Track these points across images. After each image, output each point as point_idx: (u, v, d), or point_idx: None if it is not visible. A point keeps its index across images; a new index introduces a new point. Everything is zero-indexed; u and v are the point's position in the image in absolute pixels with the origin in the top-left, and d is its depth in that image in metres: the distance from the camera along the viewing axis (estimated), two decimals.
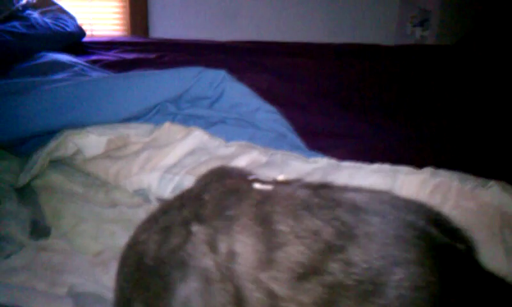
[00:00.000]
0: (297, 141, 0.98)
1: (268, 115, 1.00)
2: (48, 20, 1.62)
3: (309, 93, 1.55)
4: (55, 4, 1.85)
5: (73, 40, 1.72)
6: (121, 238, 0.60)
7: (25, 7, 1.67)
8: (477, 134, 1.26)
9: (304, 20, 2.53)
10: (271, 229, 0.44)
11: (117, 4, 2.39)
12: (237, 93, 1.02)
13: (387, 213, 0.45)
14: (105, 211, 0.87)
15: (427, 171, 0.72)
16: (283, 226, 0.44)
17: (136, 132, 0.96)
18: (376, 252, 0.42)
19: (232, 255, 0.44)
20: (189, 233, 0.47)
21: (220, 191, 0.51)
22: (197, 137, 0.93)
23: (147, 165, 0.91)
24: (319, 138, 1.11)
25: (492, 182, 0.69)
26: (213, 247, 0.45)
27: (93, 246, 0.77)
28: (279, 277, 0.42)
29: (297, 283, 0.42)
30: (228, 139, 0.94)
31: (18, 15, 1.60)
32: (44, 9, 1.75)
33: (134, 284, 0.49)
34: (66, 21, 1.71)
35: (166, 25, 2.31)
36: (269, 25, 2.47)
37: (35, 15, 1.63)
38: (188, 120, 0.98)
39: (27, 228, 0.78)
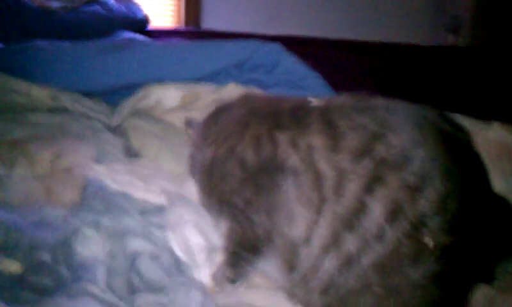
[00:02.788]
0: None
1: (315, 80, 1.19)
2: (122, 7, 1.86)
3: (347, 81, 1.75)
4: None
5: (141, 27, 1.95)
6: None
7: None
8: None
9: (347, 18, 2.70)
10: (334, 128, 0.63)
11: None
12: (290, 63, 1.21)
13: (409, 111, 0.64)
14: (181, 149, 1.07)
15: None
16: (342, 125, 0.63)
17: (206, 90, 1.16)
18: (405, 136, 0.60)
19: (310, 148, 0.63)
20: (276, 139, 0.66)
21: (289, 107, 0.71)
22: None
23: None
24: None
25: (494, 122, 0.88)
26: (295, 146, 0.65)
27: (174, 168, 0.97)
28: (343, 158, 0.61)
29: (356, 161, 0.60)
30: None
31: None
32: None
33: (240, 180, 0.68)
34: (135, 9, 1.95)
35: (216, 19, 2.52)
36: (312, 20, 2.65)
37: (112, 0, 1.87)
38: (248, 83, 1.17)
39: (122, 151, 0.98)
